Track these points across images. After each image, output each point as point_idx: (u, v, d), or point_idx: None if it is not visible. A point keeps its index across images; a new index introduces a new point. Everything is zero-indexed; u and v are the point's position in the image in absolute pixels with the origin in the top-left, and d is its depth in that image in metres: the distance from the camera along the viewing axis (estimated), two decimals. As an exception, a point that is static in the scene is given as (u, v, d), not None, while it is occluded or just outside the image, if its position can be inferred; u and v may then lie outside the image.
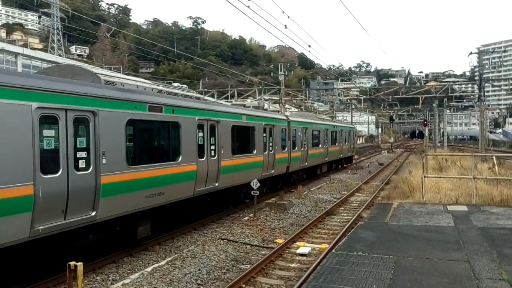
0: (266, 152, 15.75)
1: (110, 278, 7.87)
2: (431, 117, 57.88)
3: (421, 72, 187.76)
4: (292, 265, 8.80)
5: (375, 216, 11.16)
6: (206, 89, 45.13)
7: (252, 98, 41.88)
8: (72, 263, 5.85)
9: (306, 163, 20.71)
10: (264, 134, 15.68)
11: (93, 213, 7.66)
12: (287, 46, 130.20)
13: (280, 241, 10.35)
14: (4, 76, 6.33)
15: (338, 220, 13.29)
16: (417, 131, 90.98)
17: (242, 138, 14.14)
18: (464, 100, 69.73)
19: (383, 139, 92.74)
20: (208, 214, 12.84)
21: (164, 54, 70.14)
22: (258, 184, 13.17)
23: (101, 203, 7.74)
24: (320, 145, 23.36)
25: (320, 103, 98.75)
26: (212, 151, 11.75)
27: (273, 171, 16.42)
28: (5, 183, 6.11)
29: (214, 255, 8.99)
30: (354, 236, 8.99)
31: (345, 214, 14.22)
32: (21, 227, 6.35)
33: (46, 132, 6.91)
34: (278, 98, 41.83)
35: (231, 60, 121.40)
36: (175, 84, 62.20)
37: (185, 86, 60.87)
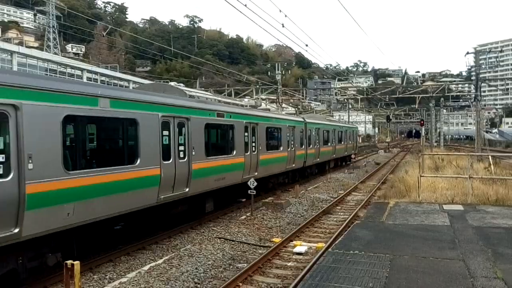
0: (289, 149, 18.64)
1: (107, 277, 7.89)
2: (428, 117, 58.12)
3: (418, 71, 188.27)
4: (289, 263, 8.84)
5: (372, 215, 11.23)
6: (203, 88, 45.12)
7: (249, 97, 41.87)
8: (69, 262, 5.85)
9: (318, 159, 23.78)
10: (288, 134, 18.55)
11: (187, 189, 10.56)
12: (284, 45, 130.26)
13: (277, 240, 10.39)
14: (151, 97, 9.54)
15: (335, 219, 13.34)
16: (414, 131, 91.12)
17: (273, 137, 17.05)
18: (461, 100, 70.14)
19: (380, 138, 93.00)
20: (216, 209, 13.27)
21: (160, 53, 70.01)
22: (255, 184, 13.21)
23: (192, 182, 10.66)
24: (329, 144, 26.45)
25: (317, 103, 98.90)
26: (253, 147, 14.85)
27: (293, 165, 19.34)
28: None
29: (211, 254, 9.02)
30: (350, 235, 9.05)
31: (341, 213, 14.28)
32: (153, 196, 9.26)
33: (164, 132, 9.86)
34: (275, 98, 41.89)
35: (228, 59, 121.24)
36: (172, 83, 62.15)
37: (181, 85, 60.81)
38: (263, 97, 41.68)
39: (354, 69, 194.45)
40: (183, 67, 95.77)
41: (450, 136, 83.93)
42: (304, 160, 21.07)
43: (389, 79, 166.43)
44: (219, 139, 13.04)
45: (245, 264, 8.51)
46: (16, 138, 6.30)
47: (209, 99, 13.18)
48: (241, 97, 35.29)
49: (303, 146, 20.83)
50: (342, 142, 30.02)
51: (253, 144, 14.87)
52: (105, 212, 7.89)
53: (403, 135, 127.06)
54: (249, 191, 13.18)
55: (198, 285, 7.43)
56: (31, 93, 6.55)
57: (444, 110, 65.09)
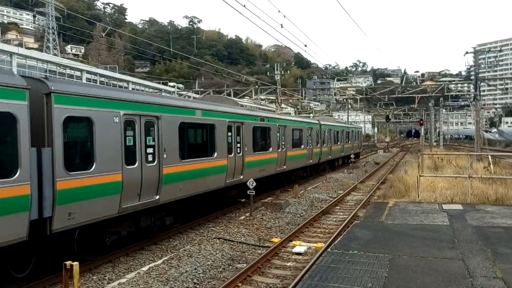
0: (308, 147, 22.06)
1: (106, 278, 7.88)
2: (427, 117, 58.10)
3: (417, 71, 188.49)
4: (288, 264, 8.82)
5: (371, 215, 11.22)
6: (202, 89, 45.12)
7: (248, 97, 41.93)
8: (68, 262, 5.83)
9: (330, 156, 27.13)
10: (307, 134, 22.01)
11: (241, 177, 13.80)
12: (283, 46, 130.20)
13: (276, 240, 10.38)
14: (221, 107, 13.02)
15: (334, 219, 13.33)
16: (413, 131, 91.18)
17: (297, 137, 20.57)
18: (460, 100, 70.16)
19: (379, 138, 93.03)
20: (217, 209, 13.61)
21: (160, 53, 70.00)
22: (254, 184, 13.20)
23: (245, 171, 14.08)
24: (339, 143, 29.63)
25: (317, 103, 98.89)
26: (283, 145, 18.25)
27: (311, 161, 22.83)
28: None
29: (210, 254, 9.00)
30: (349, 235, 9.04)
31: (341, 213, 14.27)
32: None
33: (229, 134, 13.25)
34: (274, 98, 41.88)
35: (227, 60, 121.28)
36: (171, 84, 62.08)
37: (181, 86, 60.78)
38: (262, 97, 41.70)
39: (353, 69, 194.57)
40: (182, 67, 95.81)
41: (449, 136, 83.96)
42: (319, 157, 24.28)
43: (388, 79, 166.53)
44: (259, 138, 16.20)
45: (245, 265, 8.49)
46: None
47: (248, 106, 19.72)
48: (240, 97, 35.29)
49: (318, 145, 24.11)
50: (349, 142, 33.46)
51: (283, 143, 18.20)
52: (197, 190, 11.18)
53: (402, 135, 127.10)
54: (248, 191, 13.16)
55: (197, 286, 7.41)
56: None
57: (444, 110, 65.08)
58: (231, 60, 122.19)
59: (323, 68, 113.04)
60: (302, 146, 20.98)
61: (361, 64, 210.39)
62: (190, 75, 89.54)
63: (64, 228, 7.21)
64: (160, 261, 8.55)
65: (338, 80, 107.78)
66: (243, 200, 15.01)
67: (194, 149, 11.66)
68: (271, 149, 16.80)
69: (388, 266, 6.78)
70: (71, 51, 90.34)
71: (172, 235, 10.83)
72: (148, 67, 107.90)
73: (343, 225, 11.64)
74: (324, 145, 25.23)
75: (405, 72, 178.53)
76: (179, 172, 10.26)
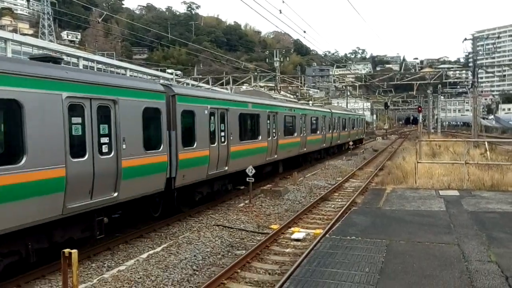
0: (323, 132, 25.79)
1: (105, 265, 7.94)
2: (426, 104, 58.03)
3: (416, 58, 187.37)
4: (287, 250, 8.92)
5: (369, 202, 11.31)
6: (201, 76, 44.82)
7: (247, 84, 41.71)
8: (67, 250, 5.82)
9: (339, 141, 30.65)
10: (322, 121, 25.58)
11: (276, 156, 17.49)
12: (282, 32, 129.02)
13: (275, 226, 10.46)
14: (262, 100, 16.98)
15: (333, 205, 13.43)
16: (412, 118, 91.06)
17: (315, 124, 24.09)
18: (458, 87, 69.89)
19: (378, 125, 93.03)
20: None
21: (158, 40, 69.27)
22: (253, 171, 13.25)
23: (278, 151, 17.55)
24: (346, 129, 33.04)
25: (316, 90, 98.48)
26: (304, 131, 21.45)
27: (324, 144, 26.53)
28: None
29: (209, 241, 9.08)
30: (348, 221, 9.13)
31: (339, 200, 14.37)
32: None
33: (268, 121, 16.69)
34: (273, 85, 41.69)
35: (226, 46, 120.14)
36: (169, 71, 61.63)
37: (179, 72, 60.36)
38: (261, 84, 41.49)
39: (353, 56, 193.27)
40: (181, 54, 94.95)
41: (447, 123, 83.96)
42: (331, 141, 27.98)
43: (387, 66, 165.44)
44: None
45: (244, 251, 8.59)
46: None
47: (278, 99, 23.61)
48: (239, 85, 35.11)
49: (330, 131, 27.62)
50: (354, 128, 36.86)
51: (304, 129, 21.55)
52: (250, 164, 13.62)
53: (401, 122, 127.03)
54: (247, 178, 13.22)
55: (197, 272, 7.50)
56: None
57: (442, 97, 64.98)
58: (230, 47, 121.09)
59: (323, 55, 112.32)
60: (318, 132, 24.71)
61: (360, 51, 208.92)
62: (189, 61, 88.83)
63: (180, 185, 10.74)
64: (159, 248, 8.62)
65: (337, 67, 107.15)
66: (242, 187, 15.08)
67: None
68: (295, 134, 20.25)
69: (385, 251, 6.87)
70: (67, 37, 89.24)
71: (171, 223, 10.90)
72: (146, 53, 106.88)
73: (341, 211, 11.72)
74: (335, 131, 28.82)
75: (404, 59, 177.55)
76: (239, 150, 14.00)
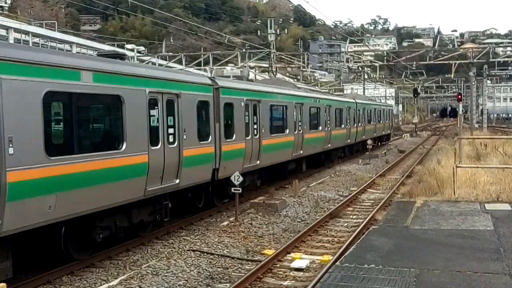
0: (347, 126, 28.47)
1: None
2: (467, 90, 58.67)
3: (455, 30, 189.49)
4: (285, 283, 8.90)
5: (393, 219, 11.36)
6: (171, 53, 44.66)
7: (233, 64, 41.62)
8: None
9: (364, 137, 32.39)
10: (346, 114, 28.17)
11: (301, 152, 20.48)
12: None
13: (270, 252, 10.45)
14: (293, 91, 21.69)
15: (345, 224, 13.47)
16: (449, 108, 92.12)
17: (339, 117, 26.82)
18: (510, 68, 70.83)
19: (404, 118, 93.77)
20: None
21: (113, 5, 68.93)
22: (241, 179, 13.21)
23: (304, 147, 20.42)
24: (372, 122, 35.65)
25: (323, 72, 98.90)
26: (328, 125, 24.42)
27: (349, 140, 29.12)
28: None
29: (182, 272, 9.04)
30: (365, 244, 9.14)
31: (354, 217, 14.42)
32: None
33: (295, 113, 19.85)
34: (267, 66, 41.68)
35: (205, 14, 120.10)
36: (129, 46, 61.32)
37: (142, 48, 60.07)
38: (252, 64, 41.50)
39: (372, 28, 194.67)
40: (144, 24, 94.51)
41: (495, 115, 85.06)
42: (355, 137, 30.30)
43: (416, 40, 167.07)
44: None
45: (228, 284, 8.56)
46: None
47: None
48: (222, 64, 35.06)
49: (355, 125, 30.07)
50: (381, 121, 39.27)
51: (328, 122, 24.29)
52: (272, 161, 17.33)
53: (435, 115, 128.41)
54: (232, 189, 13.17)
55: (166, 313, 7.45)
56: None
57: (489, 81, 65.79)
58: (209, 15, 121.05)
59: (332, 26, 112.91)
60: (342, 126, 27.20)
61: (381, 21, 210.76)
62: (155, 34, 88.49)
63: (222, 176, 13.63)
64: (115, 282, 8.56)
65: (351, 42, 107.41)
66: (226, 200, 15.06)
67: (276, 126, 18.47)
68: (320, 128, 22.82)
69: (415, 283, 6.89)
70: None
71: (132, 247, 10.84)
72: (98, 24, 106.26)
73: (356, 231, 11.76)
74: (360, 124, 31.25)
75: (438, 32, 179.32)
76: (270, 144, 16.80)
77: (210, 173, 13.23)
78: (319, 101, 23.30)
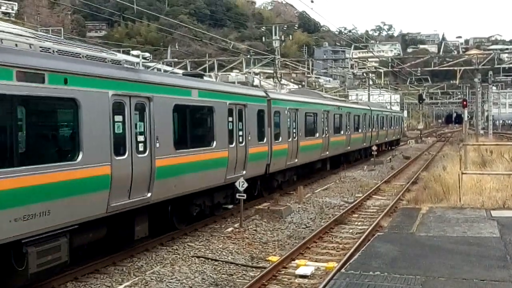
0: (363, 131, 31.87)
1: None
2: (472, 96, 58.50)
3: (460, 37, 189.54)
4: (290, 289, 8.87)
5: (398, 225, 11.32)
6: (176, 59, 44.81)
7: (237, 71, 41.75)
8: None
9: (377, 141, 35.10)
10: (363, 119, 31.65)
11: (327, 153, 24.15)
12: (283, 3, 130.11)
13: (274, 258, 10.45)
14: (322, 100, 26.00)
15: (350, 230, 13.48)
16: (455, 115, 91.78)
17: (357, 122, 30.49)
18: (515, 74, 70.53)
19: (409, 125, 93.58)
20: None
21: (119, 12, 69.18)
22: (245, 185, 13.21)
23: (329, 149, 24.24)
24: (384, 128, 38.60)
25: (328, 78, 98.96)
26: (348, 130, 27.86)
27: (364, 144, 32.51)
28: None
29: (187, 278, 9.04)
30: (370, 251, 9.10)
31: (359, 223, 14.42)
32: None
33: (322, 119, 23.96)
34: (272, 72, 41.78)
35: (210, 21, 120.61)
36: (134, 52, 61.56)
37: (148, 55, 60.32)
38: (256, 70, 41.63)
39: (376, 34, 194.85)
40: (150, 31, 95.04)
41: (501, 121, 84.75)
42: (370, 140, 33.16)
43: (421, 46, 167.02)
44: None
45: (232, 291, 8.53)
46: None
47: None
48: (226, 70, 35.15)
49: (370, 129, 33.42)
50: (392, 127, 42.25)
51: (348, 127, 27.84)
52: (308, 159, 21.49)
53: (440, 121, 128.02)
54: (237, 195, 13.20)
55: (170, 319, 7.43)
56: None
57: (494, 87, 65.56)
58: (214, 22, 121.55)
59: (336, 33, 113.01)
60: (360, 131, 30.65)
61: (386, 27, 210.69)
62: (160, 41, 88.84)
63: (271, 171, 17.15)
64: (120, 288, 8.54)
65: (356, 49, 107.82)
66: (230, 206, 15.05)
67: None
68: (342, 132, 26.53)
69: (420, 291, 6.83)
70: (1, 8, 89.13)
71: (136, 253, 10.84)
72: (104, 30, 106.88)
73: (362, 238, 11.76)
74: (374, 129, 34.61)
75: (443, 38, 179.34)
76: (305, 145, 20.40)
77: (264, 168, 16.59)
78: (341, 108, 26.85)
